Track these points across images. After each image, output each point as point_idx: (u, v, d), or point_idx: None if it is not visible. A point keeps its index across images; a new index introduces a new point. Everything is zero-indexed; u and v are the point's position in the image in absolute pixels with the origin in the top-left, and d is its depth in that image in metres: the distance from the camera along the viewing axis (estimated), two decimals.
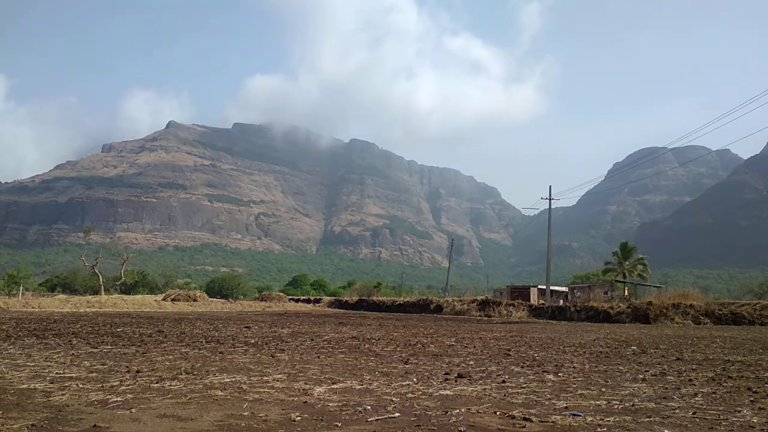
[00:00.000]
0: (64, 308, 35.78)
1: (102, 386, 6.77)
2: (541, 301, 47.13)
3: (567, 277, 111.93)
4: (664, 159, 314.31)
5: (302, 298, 74.40)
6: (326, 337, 15.58)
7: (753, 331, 23.92)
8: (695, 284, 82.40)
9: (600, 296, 43.03)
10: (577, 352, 12.56)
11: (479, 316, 39.70)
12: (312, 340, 14.65)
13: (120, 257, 72.41)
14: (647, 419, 5.47)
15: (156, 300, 47.62)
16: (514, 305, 41.20)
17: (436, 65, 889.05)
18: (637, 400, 6.47)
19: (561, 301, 47.29)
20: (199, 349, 11.53)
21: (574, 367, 9.62)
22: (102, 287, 58.40)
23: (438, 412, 5.63)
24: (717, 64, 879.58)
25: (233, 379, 7.49)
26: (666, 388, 7.43)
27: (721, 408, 6.10)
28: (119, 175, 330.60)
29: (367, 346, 13.23)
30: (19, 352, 10.49)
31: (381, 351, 12.03)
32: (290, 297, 71.48)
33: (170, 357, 10.06)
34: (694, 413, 5.78)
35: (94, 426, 4.88)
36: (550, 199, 48.69)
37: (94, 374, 7.75)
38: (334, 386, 7.13)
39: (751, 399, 6.71)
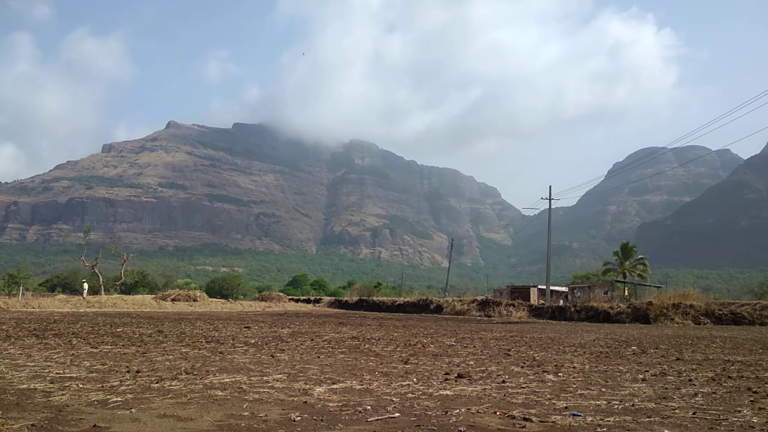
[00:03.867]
0: (64, 308, 35.80)
1: (102, 386, 6.77)
2: (541, 301, 47.12)
3: (567, 277, 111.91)
4: (664, 159, 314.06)
5: (302, 298, 74.44)
6: (326, 337, 15.58)
7: (753, 331, 23.92)
8: (695, 284, 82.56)
9: (600, 296, 42.99)
10: (577, 352, 12.56)
11: (479, 316, 39.71)
12: (312, 340, 14.65)
13: (120, 257, 72.27)
14: (647, 419, 5.47)
15: (156, 300, 47.61)
16: (514, 305, 41.22)
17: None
18: (637, 400, 6.47)
19: (561, 301, 47.26)
20: (199, 349, 11.53)
21: (574, 367, 9.62)
22: (102, 287, 58.36)
23: (438, 412, 5.63)
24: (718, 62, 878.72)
25: (233, 379, 7.49)
26: (666, 388, 7.42)
27: (721, 408, 6.10)
28: (119, 175, 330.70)
29: (367, 346, 13.23)
30: (19, 352, 10.49)
31: (381, 351, 12.03)
32: (290, 297, 71.53)
33: (170, 357, 10.05)
34: (694, 413, 5.78)
35: (94, 426, 4.88)
36: (550, 199, 48.71)
37: (94, 374, 7.75)
38: (334, 386, 7.12)
39: (751, 399, 6.71)
